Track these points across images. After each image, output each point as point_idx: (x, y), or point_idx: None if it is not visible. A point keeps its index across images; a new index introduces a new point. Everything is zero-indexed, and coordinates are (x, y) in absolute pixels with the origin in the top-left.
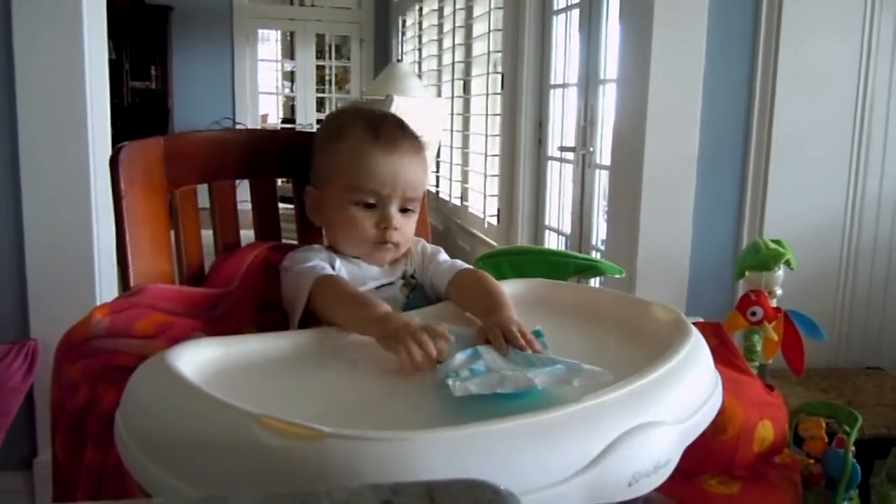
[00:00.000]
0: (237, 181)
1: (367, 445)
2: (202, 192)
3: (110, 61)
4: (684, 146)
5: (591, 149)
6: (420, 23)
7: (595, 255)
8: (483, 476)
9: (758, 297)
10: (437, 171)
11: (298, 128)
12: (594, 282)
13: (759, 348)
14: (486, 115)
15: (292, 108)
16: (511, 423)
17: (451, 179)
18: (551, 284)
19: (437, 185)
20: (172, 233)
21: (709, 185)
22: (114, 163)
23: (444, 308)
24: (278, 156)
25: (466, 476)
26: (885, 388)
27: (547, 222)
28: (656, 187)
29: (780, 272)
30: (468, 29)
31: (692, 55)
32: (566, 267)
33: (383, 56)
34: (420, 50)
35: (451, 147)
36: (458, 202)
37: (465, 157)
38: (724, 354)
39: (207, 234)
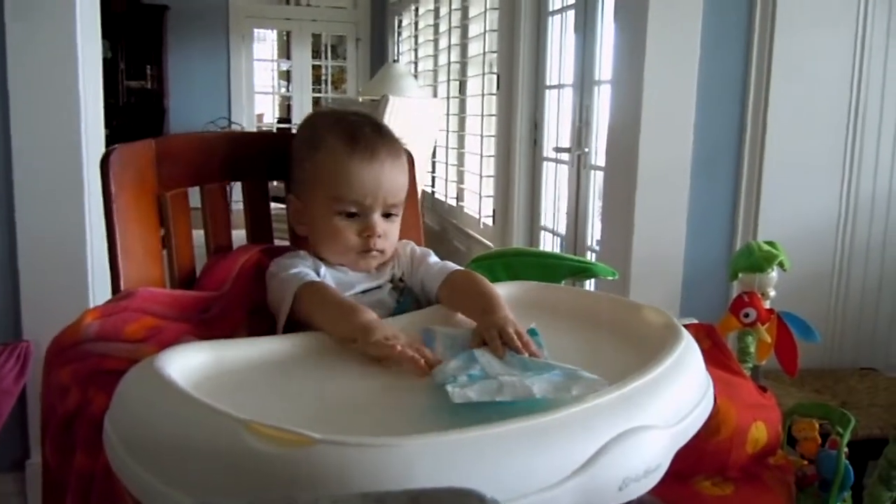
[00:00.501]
0: (229, 183)
1: (357, 452)
2: (194, 193)
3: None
4: (678, 147)
5: (587, 149)
6: (416, 23)
7: (590, 255)
8: (474, 481)
9: (751, 299)
10: (433, 172)
11: (294, 128)
12: (588, 284)
13: (752, 350)
14: (482, 115)
15: (288, 107)
16: (501, 429)
17: (446, 180)
18: (544, 287)
19: (433, 186)
20: (163, 236)
21: (703, 186)
22: (104, 165)
23: (435, 311)
24: (270, 157)
25: (458, 481)
26: (879, 388)
27: (542, 223)
28: (650, 188)
29: (774, 274)
30: (464, 29)
31: (686, 57)
32: (559, 269)
33: (379, 56)
34: (416, 50)
35: (447, 147)
36: (453, 203)
37: (461, 157)
38: (717, 356)
39: (199, 235)
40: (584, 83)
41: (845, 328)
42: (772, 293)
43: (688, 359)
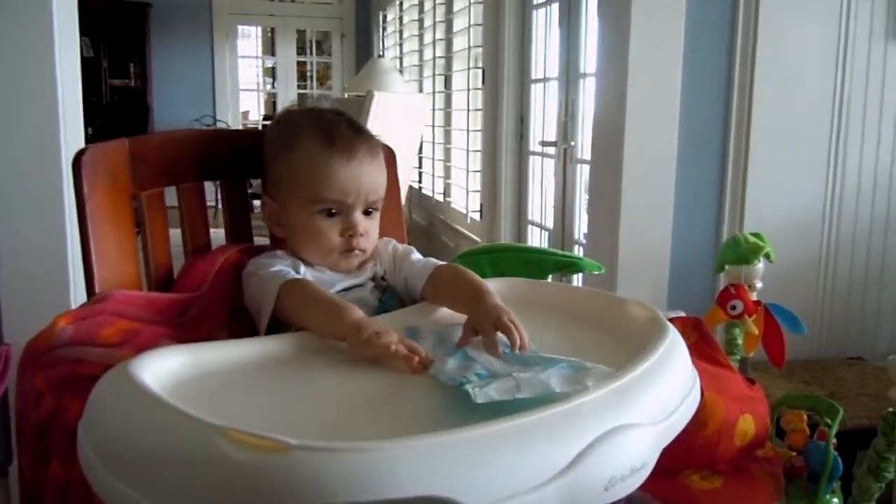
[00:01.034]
0: (205, 182)
1: (334, 457)
2: (171, 193)
3: (88, 59)
4: (663, 140)
5: (573, 143)
6: (401, 18)
7: (577, 249)
8: (456, 485)
9: (737, 291)
10: (420, 167)
11: None
12: (576, 278)
13: (739, 342)
14: (468, 110)
15: (274, 104)
16: (482, 430)
17: (433, 175)
18: (530, 283)
19: (420, 181)
20: (139, 237)
21: (688, 178)
22: (76, 166)
23: (419, 309)
24: (247, 156)
25: (439, 485)
26: (867, 378)
27: (529, 217)
28: (636, 181)
29: (761, 265)
30: (448, 24)
31: (670, 49)
32: (545, 264)
33: (364, 51)
34: (401, 45)
35: (433, 142)
36: (440, 198)
37: (448, 152)
38: (704, 349)
39: (177, 235)
40: (569, 76)
41: (832, 318)
42: (758, 285)
43: (674, 354)
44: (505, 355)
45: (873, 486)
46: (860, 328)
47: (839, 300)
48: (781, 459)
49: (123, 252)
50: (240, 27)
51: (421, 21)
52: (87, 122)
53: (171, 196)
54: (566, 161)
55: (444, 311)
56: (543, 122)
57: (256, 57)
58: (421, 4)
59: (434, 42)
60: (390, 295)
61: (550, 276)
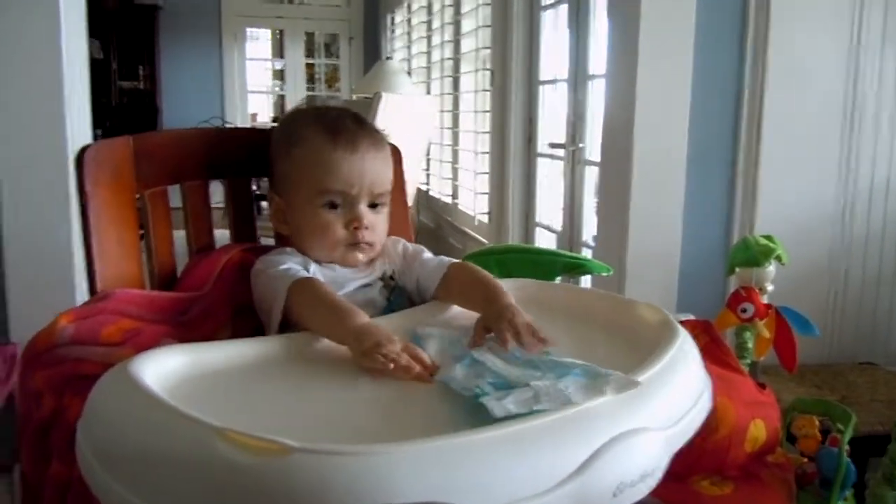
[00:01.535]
0: (211, 181)
1: (336, 460)
2: (174, 195)
3: (98, 61)
4: (673, 141)
5: (581, 145)
6: (409, 20)
7: (585, 251)
8: (459, 490)
9: (748, 294)
10: (428, 170)
11: None
12: (584, 280)
13: (750, 345)
14: (476, 112)
15: (282, 107)
16: (489, 434)
17: (441, 177)
18: (539, 284)
19: (428, 183)
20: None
21: (699, 180)
22: (79, 163)
23: (428, 309)
24: (253, 154)
25: (442, 490)
26: (879, 383)
27: (537, 219)
28: (646, 183)
29: (772, 268)
30: (457, 25)
31: (680, 49)
32: (554, 265)
33: (373, 54)
34: (409, 47)
35: (441, 144)
36: (448, 200)
37: (456, 154)
38: (714, 353)
39: (180, 236)
40: (577, 78)
41: (844, 322)
42: (769, 288)
43: (684, 357)
44: (515, 357)
45: (888, 493)
46: (872, 332)
47: (851, 304)
48: (793, 465)
49: (126, 250)
50: (248, 30)
51: (429, 23)
52: (97, 123)
53: (174, 199)
54: (574, 163)
55: (454, 312)
56: (552, 123)
57: (265, 59)
58: (429, 6)
59: (442, 44)
60: (399, 294)
61: (559, 277)
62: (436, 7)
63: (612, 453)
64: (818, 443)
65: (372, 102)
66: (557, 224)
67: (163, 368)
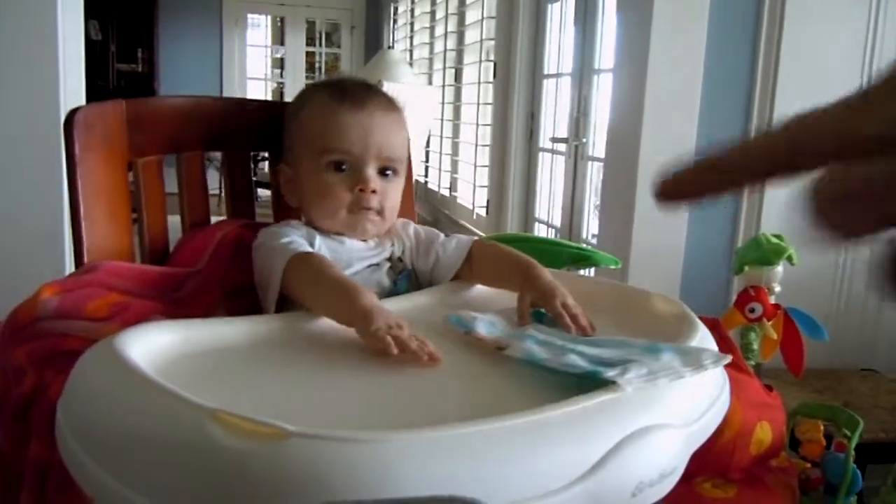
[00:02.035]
0: (207, 153)
1: (335, 447)
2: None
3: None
4: (682, 139)
5: (584, 140)
6: (412, 10)
7: None
8: (468, 484)
9: (757, 294)
10: (427, 161)
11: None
12: (587, 273)
13: (755, 346)
14: (478, 104)
15: (281, 94)
16: (500, 425)
17: (440, 169)
18: (550, 272)
19: (426, 175)
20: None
21: None
22: (68, 126)
23: (440, 291)
24: (254, 127)
25: (449, 484)
26: (881, 390)
27: (537, 215)
28: (652, 180)
29: (780, 268)
30: (461, 16)
31: (692, 46)
32: (559, 256)
33: (374, 43)
34: (412, 37)
35: (441, 136)
36: (446, 192)
37: (455, 146)
38: (723, 352)
39: (174, 220)
40: (583, 72)
41: (847, 327)
42: (777, 288)
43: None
44: (572, 337)
45: None
46: (874, 339)
47: (854, 308)
48: (796, 470)
49: (116, 220)
50: (249, 16)
51: (433, 13)
52: None
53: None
54: (577, 158)
55: (475, 292)
56: (555, 118)
57: (265, 46)
58: None
59: (445, 34)
60: (405, 277)
61: (563, 269)
62: None
63: (631, 450)
64: (822, 448)
65: None
66: (557, 220)
67: (151, 345)
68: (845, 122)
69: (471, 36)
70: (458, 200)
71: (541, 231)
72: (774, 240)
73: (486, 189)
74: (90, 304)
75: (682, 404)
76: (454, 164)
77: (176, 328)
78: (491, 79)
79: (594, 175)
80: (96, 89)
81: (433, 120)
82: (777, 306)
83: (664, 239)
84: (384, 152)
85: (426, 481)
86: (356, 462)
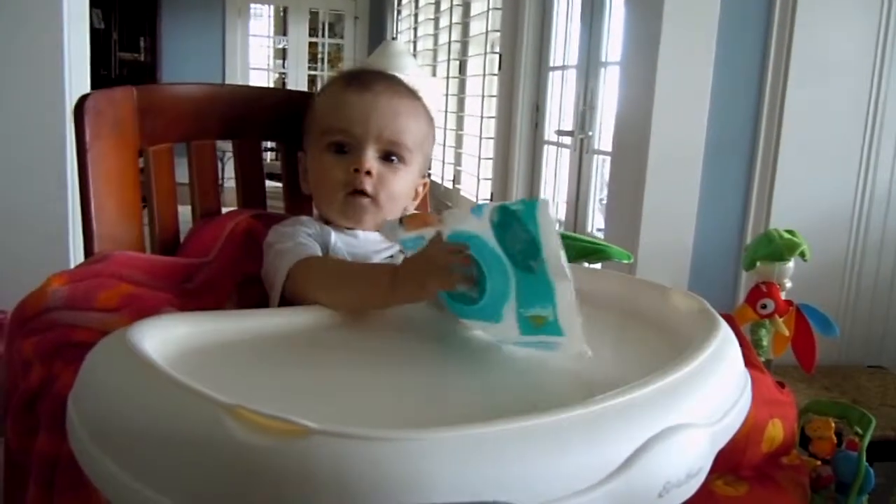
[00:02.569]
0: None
1: (358, 445)
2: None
3: (98, 31)
4: (691, 133)
5: (590, 133)
6: (416, 1)
7: None
8: (494, 484)
9: (769, 289)
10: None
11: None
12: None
13: (765, 343)
14: (482, 96)
15: (283, 85)
16: (527, 424)
17: (443, 162)
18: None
19: (429, 168)
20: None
21: (715, 173)
22: (78, 112)
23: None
24: (267, 116)
25: (474, 484)
26: (889, 388)
27: None
28: (661, 175)
29: (792, 264)
30: (466, 7)
31: (702, 39)
32: (571, 249)
33: (378, 34)
34: (416, 28)
35: (445, 128)
36: (450, 185)
37: (459, 139)
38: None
39: (185, 211)
40: (589, 65)
41: (856, 324)
42: (788, 284)
43: (728, 349)
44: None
45: None
46: (883, 336)
47: (862, 306)
48: (807, 468)
49: (126, 209)
50: (252, 6)
51: (437, 4)
52: None
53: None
54: (582, 152)
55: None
56: (560, 110)
57: (268, 36)
58: None
59: (450, 25)
60: None
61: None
62: None
63: (657, 449)
64: (833, 446)
65: None
66: (562, 213)
67: (165, 337)
68: None
69: (476, 27)
70: (462, 193)
71: None
72: (787, 235)
73: (490, 182)
74: (100, 295)
75: (706, 402)
76: (458, 156)
77: (189, 320)
78: (496, 71)
79: (600, 169)
80: (99, 78)
81: (437, 112)
82: (789, 302)
83: (672, 234)
84: (387, 135)
85: (455, 481)
86: (380, 462)
